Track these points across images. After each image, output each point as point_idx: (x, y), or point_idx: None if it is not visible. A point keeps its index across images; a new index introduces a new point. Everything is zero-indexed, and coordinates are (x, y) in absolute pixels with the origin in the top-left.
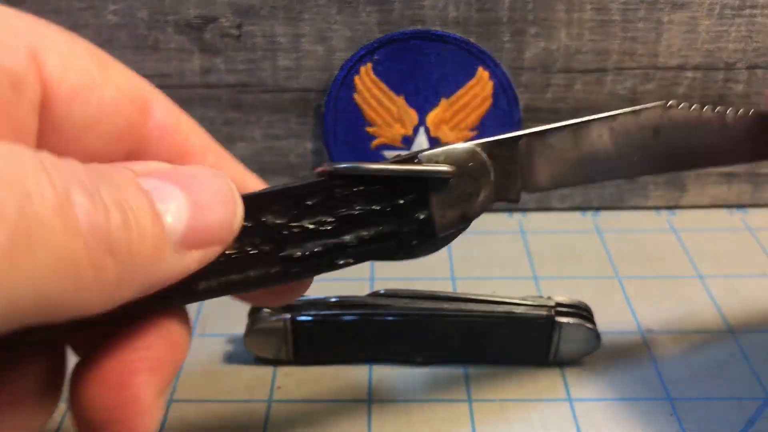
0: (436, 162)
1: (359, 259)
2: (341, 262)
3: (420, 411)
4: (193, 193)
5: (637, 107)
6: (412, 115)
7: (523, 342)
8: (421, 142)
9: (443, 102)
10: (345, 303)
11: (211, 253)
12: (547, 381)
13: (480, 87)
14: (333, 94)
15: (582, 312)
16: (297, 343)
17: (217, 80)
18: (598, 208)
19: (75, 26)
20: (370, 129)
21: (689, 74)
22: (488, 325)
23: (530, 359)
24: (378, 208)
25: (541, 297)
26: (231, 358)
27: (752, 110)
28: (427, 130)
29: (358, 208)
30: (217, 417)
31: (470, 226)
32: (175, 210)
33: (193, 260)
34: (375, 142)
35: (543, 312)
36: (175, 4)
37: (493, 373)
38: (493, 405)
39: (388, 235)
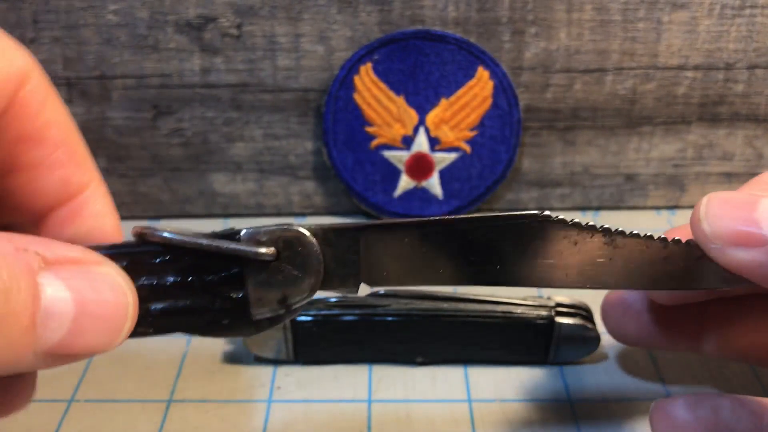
0: (258, 242)
1: (161, 330)
2: (139, 329)
3: (420, 411)
4: (82, 310)
5: (511, 214)
6: (412, 115)
7: (522, 342)
8: (421, 141)
9: (443, 102)
10: (345, 303)
11: (78, 359)
12: (547, 381)
13: (480, 87)
14: (333, 94)
15: (582, 312)
16: (297, 343)
17: (217, 80)
18: (598, 208)
19: (75, 26)
20: (369, 129)
21: (689, 74)
22: (488, 325)
23: (530, 359)
24: (189, 280)
25: (541, 297)
26: (231, 358)
27: (648, 235)
28: (427, 130)
29: (167, 278)
30: (217, 417)
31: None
32: (56, 326)
33: (56, 362)
34: (375, 142)
35: (543, 312)
36: (175, 4)
37: (493, 373)
38: (493, 405)
39: (197, 310)
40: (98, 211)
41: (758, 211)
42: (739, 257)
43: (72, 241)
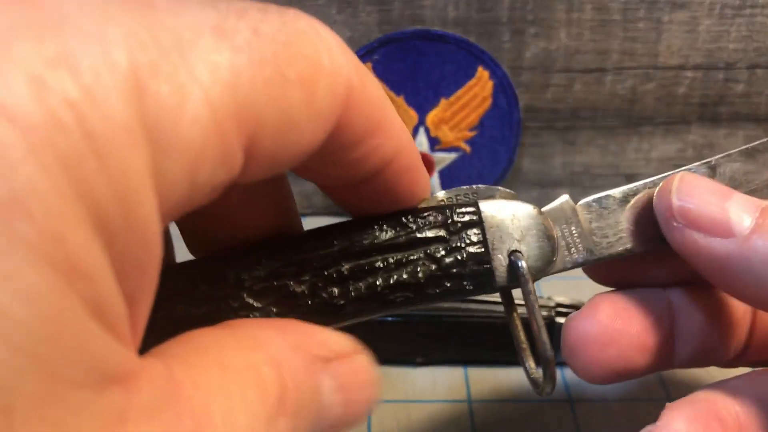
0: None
1: None
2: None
3: (420, 411)
4: (346, 411)
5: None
6: (412, 115)
7: None
8: (421, 141)
9: (443, 102)
10: None
11: None
12: None
13: (480, 87)
14: None
15: None
16: None
17: None
18: None
19: None
20: None
21: (689, 74)
22: (488, 325)
23: None
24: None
25: (541, 297)
26: None
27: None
28: (426, 130)
29: None
30: None
31: None
32: (325, 424)
33: None
34: None
35: (542, 312)
36: None
37: (493, 373)
38: (493, 405)
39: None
40: (408, 166)
41: (730, 201)
42: (699, 242)
43: (395, 199)
